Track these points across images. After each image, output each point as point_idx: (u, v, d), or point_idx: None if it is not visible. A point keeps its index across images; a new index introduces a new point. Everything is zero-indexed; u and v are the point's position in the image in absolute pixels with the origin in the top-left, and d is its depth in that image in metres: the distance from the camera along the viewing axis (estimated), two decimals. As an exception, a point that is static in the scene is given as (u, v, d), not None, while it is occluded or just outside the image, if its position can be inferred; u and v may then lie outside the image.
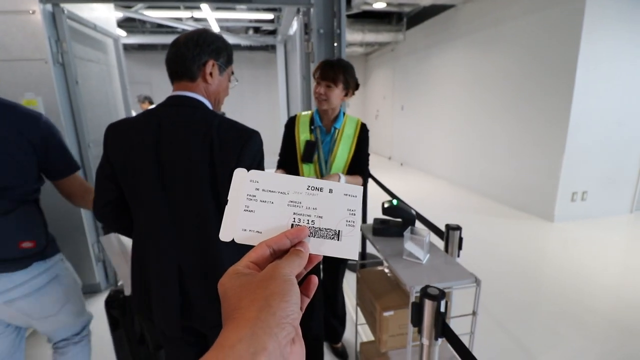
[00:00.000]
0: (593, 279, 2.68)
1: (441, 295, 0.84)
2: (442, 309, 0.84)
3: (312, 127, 1.48)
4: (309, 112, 1.55)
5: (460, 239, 1.28)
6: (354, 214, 0.37)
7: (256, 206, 0.37)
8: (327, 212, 0.37)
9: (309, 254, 0.34)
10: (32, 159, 1.01)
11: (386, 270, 1.52)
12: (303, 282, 0.34)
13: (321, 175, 1.48)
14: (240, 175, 0.38)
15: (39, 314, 1.11)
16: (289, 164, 1.52)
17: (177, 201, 0.87)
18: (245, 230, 0.36)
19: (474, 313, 1.12)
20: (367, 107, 9.67)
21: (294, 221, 0.36)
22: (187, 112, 0.87)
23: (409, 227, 1.24)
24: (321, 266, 1.67)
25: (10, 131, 0.96)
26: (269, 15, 5.33)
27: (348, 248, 0.36)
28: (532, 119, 4.10)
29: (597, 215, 4.00)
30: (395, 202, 1.41)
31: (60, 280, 1.15)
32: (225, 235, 0.36)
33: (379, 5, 5.45)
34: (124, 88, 3.13)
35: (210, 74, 0.91)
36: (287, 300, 0.27)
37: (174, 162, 0.85)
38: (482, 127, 4.97)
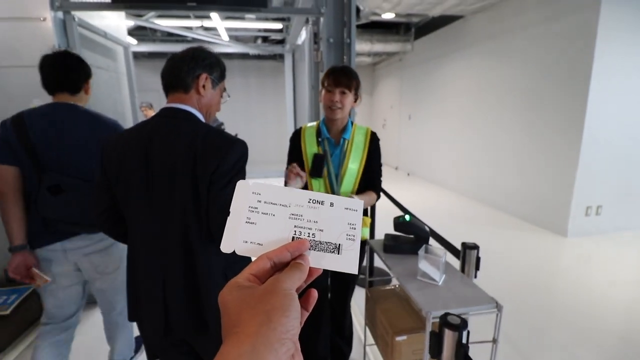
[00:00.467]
0: (609, 298, 2.57)
1: (463, 324, 0.77)
2: (464, 340, 0.77)
3: (320, 139, 1.40)
4: (314, 123, 1.47)
5: (478, 259, 1.22)
6: (355, 228, 0.37)
7: (258, 218, 0.37)
8: (328, 226, 0.37)
9: (309, 267, 0.34)
10: None
11: (397, 289, 1.45)
12: (302, 295, 0.34)
13: (332, 190, 1.41)
14: (242, 187, 0.38)
15: (103, 269, 1.45)
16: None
17: (163, 213, 0.88)
18: (246, 242, 0.36)
19: (494, 341, 1.05)
20: (374, 117, 9.64)
21: (295, 234, 0.36)
22: (177, 124, 0.90)
23: (423, 246, 1.17)
24: (329, 283, 1.60)
25: (93, 135, 1.33)
26: (278, 25, 5.36)
27: (348, 262, 0.36)
28: (543, 130, 4.02)
29: (611, 230, 3.88)
30: (407, 217, 1.34)
31: (118, 245, 1.48)
32: (226, 246, 0.36)
33: (388, 16, 5.46)
34: (132, 95, 3.13)
35: (204, 86, 0.95)
36: (287, 315, 0.27)
37: (161, 174, 0.87)
38: (492, 138, 4.89)
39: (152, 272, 0.91)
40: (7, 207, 1.24)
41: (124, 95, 3.03)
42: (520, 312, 2.43)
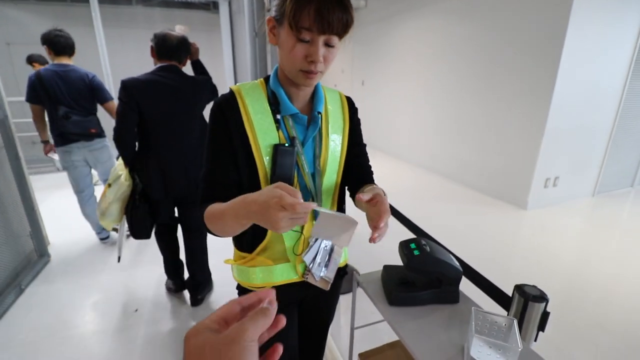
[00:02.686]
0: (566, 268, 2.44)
1: None
2: None
3: (278, 117, 0.76)
4: (256, 82, 0.79)
5: (545, 315, 0.74)
6: None
7: None
8: None
9: (275, 316, 0.33)
10: (91, 94, 2.45)
11: (397, 349, 0.95)
12: (267, 348, 0.35)
13: (313, 200, 0.80)
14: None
15: (102, 160, 2.60)
16: (231, 187, 0.76)
17: (184, 132, 1.78)
18: None
19: None
20: (323, 82, 8.90)
21: None
22: (180, 74, 1.73)
23: (472, 313, 0.66)
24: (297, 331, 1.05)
25: (84, 79, 2.40)
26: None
27: None
28: (508, 98, 3.75)
29: (564, 200, 3.88)
30: (426, 246, 0.81)
31: (108, 147, 2.60)
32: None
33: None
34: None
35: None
36: None
37: (181, 107, 1.73)
38: (453, 107, 4.58)
39: (178, 160, 1.77)
40: (38, 125, 2.47)
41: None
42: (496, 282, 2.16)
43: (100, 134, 2.55)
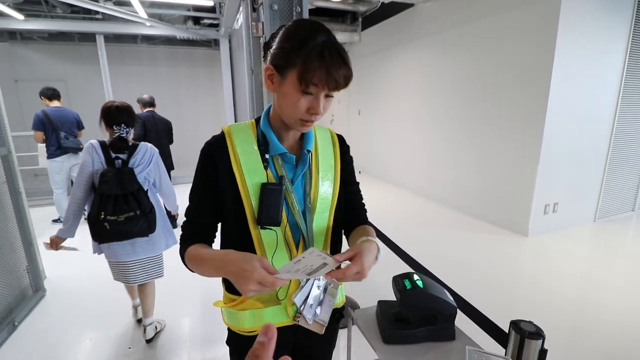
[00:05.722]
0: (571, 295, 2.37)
1: None
2: None
3: (267, 157, 0.78)
4: (246, 124, 0.82)
5: (543, 352, 0.72)
6: None
7: None
8: None
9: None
10: (76, 125, 4.02)
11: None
12: None
13: (299, 243, 0.79)
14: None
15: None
16: (209, 228, 0.81)
17: None
18: None
19: None
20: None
21: None
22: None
23: (468, 351, 0.65)
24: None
25: (73, 115, 3.88)
26: (209, 2, 4.53)
27: None
28: (501, 126, 3.84)
29: (566, 226, 3.85)
30: (419, 281, 0.81)
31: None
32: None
33: (336, -1, 4.95)
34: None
35: None
36: None
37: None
38: (448, 134, 4.66)
39: None
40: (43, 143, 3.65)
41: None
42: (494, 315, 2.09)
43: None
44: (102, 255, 1.87)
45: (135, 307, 2.23)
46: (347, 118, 7.64)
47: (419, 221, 4.31)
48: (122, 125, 1.75)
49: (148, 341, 2.02)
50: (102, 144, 1.73)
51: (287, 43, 0.68)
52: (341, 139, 0.93)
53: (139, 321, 2.16)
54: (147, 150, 1.82)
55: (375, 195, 5.49)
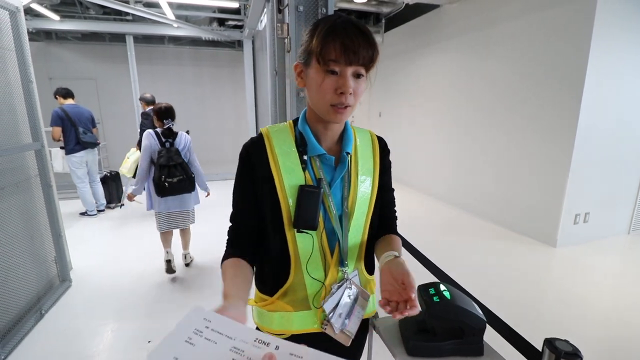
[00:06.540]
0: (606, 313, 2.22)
1: None
2: None
3: (305, 158, 0.75)
4: (285, 125, 0.81)
5: (581, 376, 0.67)
6: None
7: (198, 341, 0.39)
8: None
9: None
10: (92, 121, 4.32)
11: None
12: None
13: (334, 249, 0.77)
14: (195, 313, 0.41)
15: (94, 161, 4.31)
16: (251, 232, 0.79)
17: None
18: (176, 359, 0.37)
19: None
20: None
21: None
22: None
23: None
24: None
25: (88, 112, 4.09)
26: (234, 4, 4.60)
27: None
28: (530, 132, 3.69)
29: (597, 237, 3.65)
30: (446, 291, 0.78)
31: (97, 154, 4.43)
32: (154, 355, 0.37)
33: (359, 0, 4.91)
34: (26, 81, 2.28)
35: None
36: None
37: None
38: (473, 139, 4.53)
39: None
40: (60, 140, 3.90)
41: (12, 79, 2.18)
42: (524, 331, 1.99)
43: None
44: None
45: (167, 251, 2.78)
46: (367, 119, 7.57)
47: (442, 229, 4.19)
48: (169, 119, 2.51)
49: (187, 265, 2.96)
50: (156, 132, 2.51)
51: (307, 35, 0.70)
52: (382, 141, 0.89)
53: (168, 262, 2.74)
54: (184, 137, 2.64)
55: (398, 203, 5.39)
